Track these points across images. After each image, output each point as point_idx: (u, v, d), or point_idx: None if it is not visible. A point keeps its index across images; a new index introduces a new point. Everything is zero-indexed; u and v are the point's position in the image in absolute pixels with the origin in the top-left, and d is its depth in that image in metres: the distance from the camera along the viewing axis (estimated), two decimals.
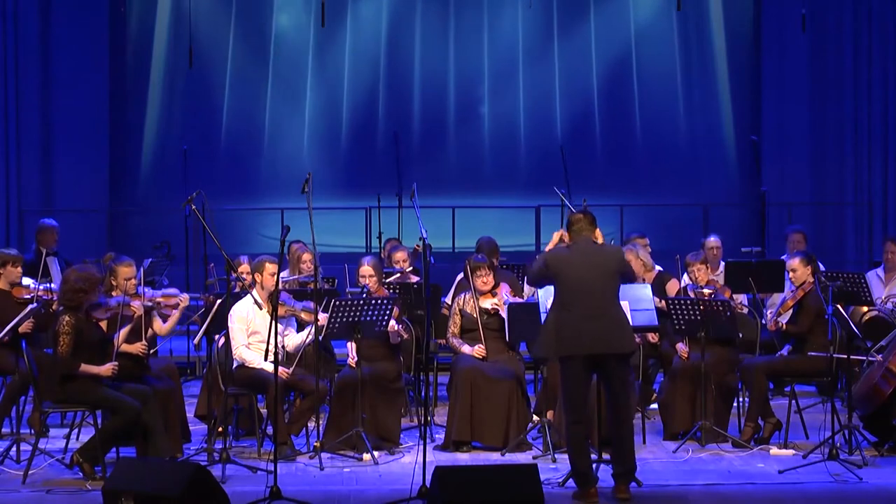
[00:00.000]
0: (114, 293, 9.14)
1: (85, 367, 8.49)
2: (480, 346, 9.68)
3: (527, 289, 10.60)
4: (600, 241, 8.33)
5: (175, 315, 9.39)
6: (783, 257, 11.65)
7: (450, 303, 10.36)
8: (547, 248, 8.88)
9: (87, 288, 8.57)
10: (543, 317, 9.19)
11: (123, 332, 8.93)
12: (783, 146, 16.42)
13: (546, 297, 9.23)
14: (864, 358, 9.42)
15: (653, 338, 10.25)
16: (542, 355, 8.52)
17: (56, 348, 8.47)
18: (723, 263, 11.47)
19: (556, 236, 8.93)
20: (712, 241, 12.06)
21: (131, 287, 9.31)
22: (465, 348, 9.73)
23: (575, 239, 8.22)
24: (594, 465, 8.28)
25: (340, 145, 16.95)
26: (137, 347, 9.06)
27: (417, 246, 11.54)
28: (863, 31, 16.15)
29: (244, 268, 10.10)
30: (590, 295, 8.03)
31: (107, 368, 8.55)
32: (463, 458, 9.24)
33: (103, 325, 8.91)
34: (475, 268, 9.81)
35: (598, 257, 8.17)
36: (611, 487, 8.10)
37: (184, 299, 9.46)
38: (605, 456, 8.56)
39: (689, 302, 9.60)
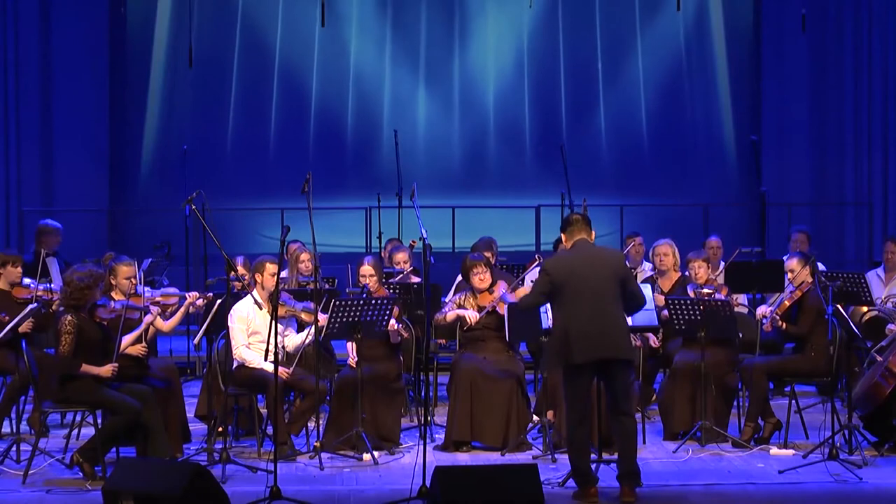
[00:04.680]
0: (113, 293, 9.15)
1: (85, 368, 8.48)
2: (474, 312, 9.66)
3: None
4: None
5: (180, 311, 9.41)
6: (785, 257, 11.66)
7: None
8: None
9: (93, 284, 8.57)
10: (543, 317, 9.22)
11: (128, 338, 8.91)
12: (783, 146, 16.44)
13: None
14: (865, 358, 9.44)
15: (655, 342, 10.25)
16: (554, 366, 8.45)
17: (57, 348, 8.46)
18: (722, 263, 11.46)
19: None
20: (713, 241, 12.07)
21: (131, 287, 9.32)
22: (457, 311, 9.70)
23: (572, 241, 8.19)
24: (594, 465, 8.27)
25: (340, 145, 16.95)
26: (138, 349, 9.06)
27: (413, 242, 11.55)
28: (863, 31, 16.17)
29: (239, 268, 10.11)
30: (593, 297, 7.96)
31: (107, 369, 8.55)
32: (463, 458, 9.24)
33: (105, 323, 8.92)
34: (471, 265, 9.81)
35: (599, 258, 8.12)
36: (612, 488, 8.10)
37: (192, 295, 9.47)
38: (605, 456, 8.58)
39: (688, 302, 9.60)
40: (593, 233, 8.25)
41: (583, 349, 7.94)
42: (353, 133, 16.92)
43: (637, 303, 8.26)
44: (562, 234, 8.30)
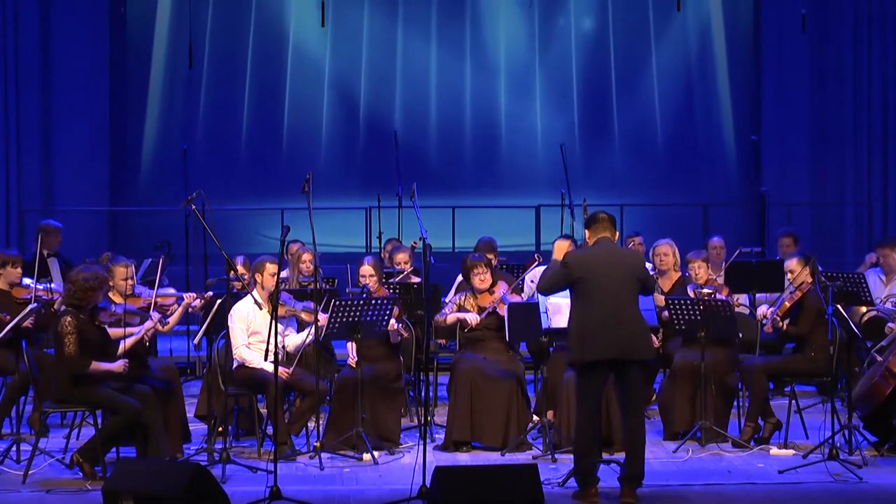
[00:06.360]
0: (111, 294, 9.15)
1: (95, 365, 8.48)
2: (475, 314, 9.66)
3: (526, 289, 10.60)
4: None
5: (178, 312, 9.42)
6: (779, 256, 11.68)
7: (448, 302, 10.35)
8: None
9: (97, 286, 8.57)
10: (543, 317, 9.22)
11: (128, 342, 8.89)
12: (783, 146, 16.45)
13: (546, 297, 9.24)
14: (865, 358, 9.44)
15: (655, 342, 10.24)
16: (573, 360, 8.44)
17: (62, 349, 8.41)
18: (724, 264, 11.47)
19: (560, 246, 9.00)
20: (716, 241, 12.06)
21: (128, 287, 9.33)
22: (457, 314, 9.71)
23: (595, 238, 8.19)
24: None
25: (340, 145, 16.96)
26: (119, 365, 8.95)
27: (415, 243, 11.55)
28: (863, 31, 16.17)
29: (239, 268, 10.11)
30: (611, 295, 7.95)
31: (118, 366, 8.55)
32: (463, 458, 9.24)
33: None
34: (472, 266, 9.81)
35: (620, 258, 8.14)
36: (612, 488, 8.10)
37: (189, 296, 9.48)
38: (605, 456, 8.57)
39: (688, 302, 9.59)
40: (617, 233, 8.28)
41: (595, 347, 7.94)
42: (353, 133, 16.92)
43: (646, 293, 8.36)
44: (585, 231, 8.30)
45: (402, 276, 10.73)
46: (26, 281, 10.08)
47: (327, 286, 10.78)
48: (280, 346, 9.17)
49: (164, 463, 8.20)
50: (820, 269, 11.01)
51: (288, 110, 16.88)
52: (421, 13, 17.00)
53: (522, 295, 10.34)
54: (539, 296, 9.19)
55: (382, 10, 16.97)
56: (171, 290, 9.79)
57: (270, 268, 9.35)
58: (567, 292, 8.27)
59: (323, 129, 16.94)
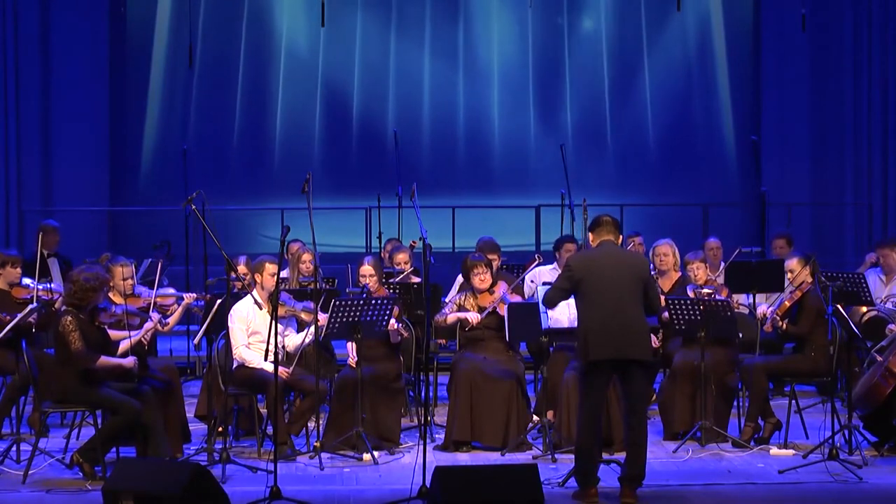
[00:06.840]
0: (111, 294, 9.15)
1: (104, 360, 8.47)
2: (475, 314, 9.66)
3: (526, 289, 10.59)
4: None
5: (178, 312, 9.42)
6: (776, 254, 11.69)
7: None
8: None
9: (98, 287, 8.57)
10: (543, 317, 9.22)
11: (127, 344, 8.89)
12: (783, 146, 16.46)
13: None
14: (865, 358, 9.44)
15: (655, 342, 10.24)
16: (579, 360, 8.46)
17: (67, 348, 8.38)
18: (723, 264, 11.46)
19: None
20: (712, 242, 12.06)
21: (128, 287, 9.33)
22: (457, 314, 9.71)
23: (598, 240, 8.19)
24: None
25: (340, 145, 16.95)
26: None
27: (413, 242, 11.56)
28: (863, 31, 16.19)
29: (241, 268, 10.12)
30: (612, 296, 7.97)
31: (130, 361, 8.56)
32: (463, 458, 9.24)
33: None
34: (472, 266, 9.81)
35: (623, 260, 8.16)
36: (612, 488, 8.10)
37: (189, 296, 9.48)
38: (605, 456, 8.56)
39: (688, 302, 9.59)
40: (620, 237, 8.30)
41: (598, 347, 7.96)
42: (353, 133, 16.92)
43: (649, 312, 8.29)
44: (589, 234, 8.31)
45: (402, 276, 10.73)
46: (26, 281, 10.08)
47: (327, 286, 10.78)
48: (280, 346, 9.17)
49: (164, 463, 8.21)
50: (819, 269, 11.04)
51: (286, 111, 16.88)
52: (414, 16, 16.99)
53: (523, 295, 10.34)
54: (538, 295, 9.17)
55: (376, 14, 16.98)
56: (171, 290, 9.80)
57: (270, 268, 9.35)
58: None
59: (320, 130, 16.93)
